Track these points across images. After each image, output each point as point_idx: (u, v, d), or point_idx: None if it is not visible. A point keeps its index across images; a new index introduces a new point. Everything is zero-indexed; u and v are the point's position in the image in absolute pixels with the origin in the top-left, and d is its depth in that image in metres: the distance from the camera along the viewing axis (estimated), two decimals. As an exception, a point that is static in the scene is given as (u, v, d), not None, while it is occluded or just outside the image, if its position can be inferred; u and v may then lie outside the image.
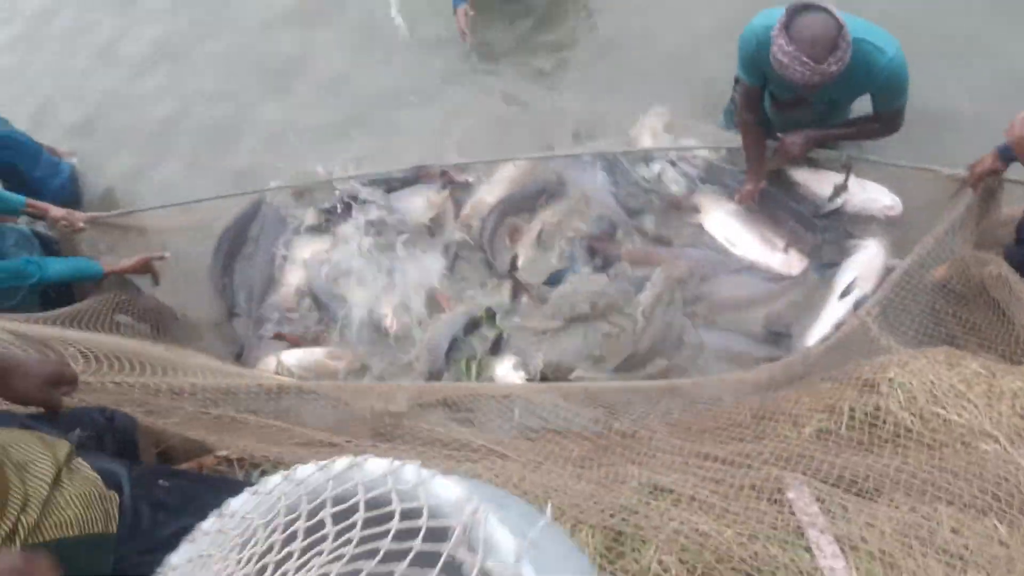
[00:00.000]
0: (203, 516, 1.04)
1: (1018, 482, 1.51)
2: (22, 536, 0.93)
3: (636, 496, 1.63)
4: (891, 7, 3.47)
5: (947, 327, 2.54)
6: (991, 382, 1.79)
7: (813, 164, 3.23)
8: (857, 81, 2.64)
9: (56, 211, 3.45)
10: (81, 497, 1.05)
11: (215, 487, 1.35)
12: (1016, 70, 3.47)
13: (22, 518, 0.94)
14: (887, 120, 2.91)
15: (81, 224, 3.48)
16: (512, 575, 0.58)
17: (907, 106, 2.85)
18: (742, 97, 3.05)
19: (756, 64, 2.78)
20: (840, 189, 3.16)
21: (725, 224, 3.33)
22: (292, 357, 3.29)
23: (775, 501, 1.57)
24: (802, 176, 3.31)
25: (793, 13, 2.50)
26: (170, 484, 1.25)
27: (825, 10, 2.47)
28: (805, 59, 2.45)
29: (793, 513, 1.50)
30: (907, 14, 3.54)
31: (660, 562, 1.46)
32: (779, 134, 3.14)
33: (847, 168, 3.11)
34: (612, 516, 1.54)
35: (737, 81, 3.05)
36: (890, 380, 1.87)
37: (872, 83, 2.68)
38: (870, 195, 3.15)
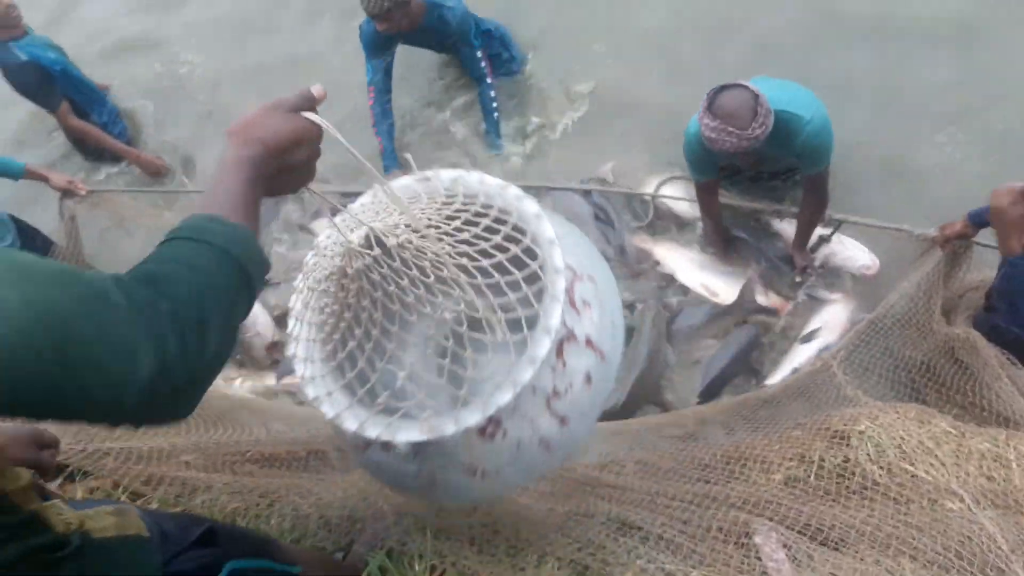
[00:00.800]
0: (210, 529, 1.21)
1: (981, 542, 1.52)
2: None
3: (604, 531, 1.62)
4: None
5: (911, 377, 2.59)
6: (960, 442, 1.81)
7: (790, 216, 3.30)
8: (782, 145, 2.83)
9: (58, 179, 3.46)
10: (106, 510, 1.08)
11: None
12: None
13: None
14: (815, 189, 3.06)
15: (83, 191, 3.48)
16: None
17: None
18: (700, 197, 3.30)
19: (703, 159, 3.02)
20: (824, 241, 3.23)
21: (698, 274, 3.39)
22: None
23: (742, 545, 1.57)
24: (783, 228, 3.38)
25: (712, 96, 2.73)
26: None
27: (740, 85, 2.70)
28: (732, 129, 2.66)
29: (759, 558, 1.50)
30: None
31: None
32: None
33: (836, 224, 3.18)
34: (580, 550, 1.53)
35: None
36: (860, 432, 1.88)
37: (794, 146, 2.85)
38: (849, 253, 3.23)
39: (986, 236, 2.67)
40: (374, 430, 1.10)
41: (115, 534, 1.01)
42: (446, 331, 1.16)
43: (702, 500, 1.80)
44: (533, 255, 1.13)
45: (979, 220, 2.58)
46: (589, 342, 1.18)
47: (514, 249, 1.10)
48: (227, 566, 1.18)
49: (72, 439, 1.85)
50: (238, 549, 1.24)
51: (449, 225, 1.11)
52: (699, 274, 3.38)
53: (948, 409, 2.24)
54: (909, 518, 1.61)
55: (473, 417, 1.07)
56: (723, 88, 2.72)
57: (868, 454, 1.81)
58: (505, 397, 1.06)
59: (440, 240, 1.09)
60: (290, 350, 1.20)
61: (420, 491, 1.31)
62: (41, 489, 1.07)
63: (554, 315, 1.08)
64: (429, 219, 1.12)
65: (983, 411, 2.24)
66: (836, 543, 1.58)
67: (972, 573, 1.49)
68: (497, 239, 1.10)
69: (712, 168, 3.12)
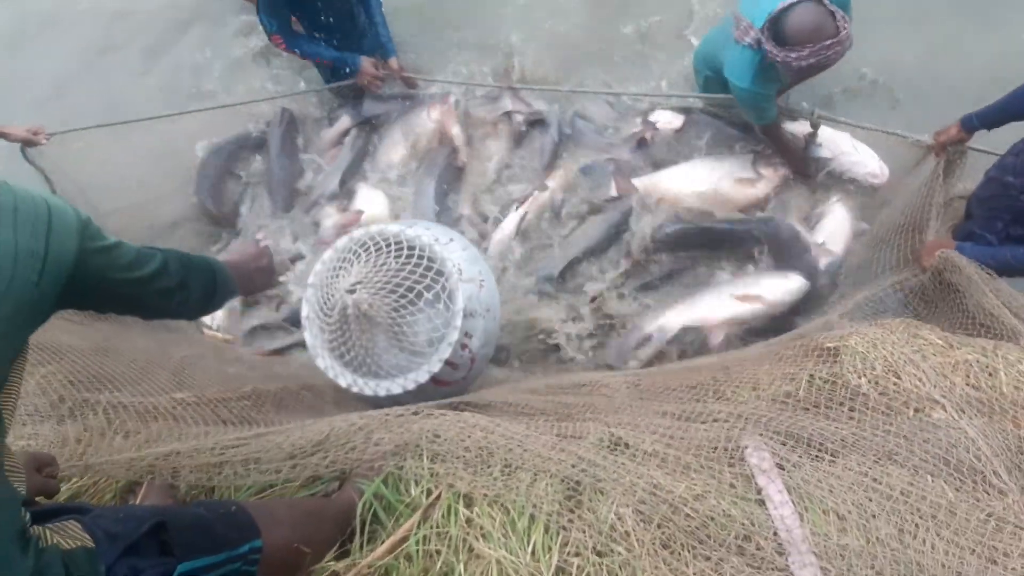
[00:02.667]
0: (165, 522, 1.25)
1: (966, 448, 1.55)
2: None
3: (595, 450, 1.64)
4: None
5: (909, 301, 2.59)
6: (947, 353, 1.83)
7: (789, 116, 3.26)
8: None
9: (16, 131, 3.26)
10: (53, 528, 1.14)
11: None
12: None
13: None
14: None
15: (44, 140, 3.31)
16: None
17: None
18: (776, 132, 3.14)
19: (769, 96, 2.89)
20: (810, 140, 3.20)
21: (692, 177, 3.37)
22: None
23: (732, 457, 1.59)
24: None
25: (774, 26, 2.53)
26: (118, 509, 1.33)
27: (792, 1, 2.49)
28: (827, 43, 2.46)
29: (749, 469, 1.52)
30: None
31: (617, 514, 1.47)
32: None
33: (815, 126, 3.13)
34: (573, 466, 1.55)
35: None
36: (849, 348, 1.89)
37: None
38: (860, 158, 3.17)
39: (980, 140, 2.67)
40: (355, 385, 2.23)
41: (56, 551, 1.08)
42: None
43: (691, 416, 1.82)
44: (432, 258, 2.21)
45: (972, 124, 2.57)
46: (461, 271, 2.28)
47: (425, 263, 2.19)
48: (178, 569, 1.21)
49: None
50: (191, 547, 1.25)
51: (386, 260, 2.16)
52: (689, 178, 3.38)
53: (943, 327, 2.24)
54: (895, 427, 1.63)
55: (453, 335, 2.23)
56: (783, 11, 2.49)
57: (856, 368, 1.82)
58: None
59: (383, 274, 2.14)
60: (306, 338, 2.29)
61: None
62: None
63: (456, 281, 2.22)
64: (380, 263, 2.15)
65: (977, 326, 2.25)
66: (824, 452, 1.60)
67: (960, 478, 1.52)
68: (415, 263, 2.18)
69: (772, 100, 2.93)
